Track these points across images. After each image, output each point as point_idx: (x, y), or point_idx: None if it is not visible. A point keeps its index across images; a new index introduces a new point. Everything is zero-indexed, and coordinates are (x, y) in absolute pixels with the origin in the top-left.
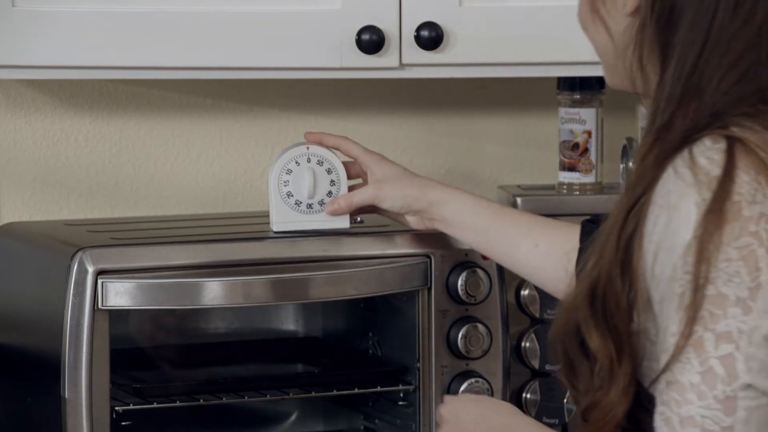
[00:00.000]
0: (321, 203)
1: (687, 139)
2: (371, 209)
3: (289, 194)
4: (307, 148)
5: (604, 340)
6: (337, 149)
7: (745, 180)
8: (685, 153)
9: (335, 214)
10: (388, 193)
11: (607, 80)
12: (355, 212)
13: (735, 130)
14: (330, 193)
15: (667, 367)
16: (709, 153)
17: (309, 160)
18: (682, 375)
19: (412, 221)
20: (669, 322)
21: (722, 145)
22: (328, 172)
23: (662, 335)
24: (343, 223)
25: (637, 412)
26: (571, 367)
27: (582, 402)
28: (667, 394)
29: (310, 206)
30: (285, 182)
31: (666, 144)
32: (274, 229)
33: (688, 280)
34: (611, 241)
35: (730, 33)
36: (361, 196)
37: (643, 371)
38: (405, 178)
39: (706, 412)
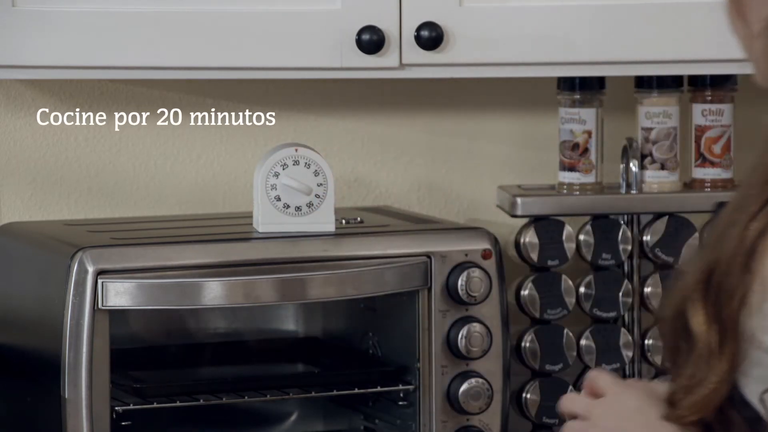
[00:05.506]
0: (309, 206)
1: None
2: None
3: (278, 198)
4: (296, 150)
5: (709, 326)
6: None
7: None
8: None
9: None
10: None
11: (762, 81)
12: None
13: None
14: (317, 195)
15: None
16: None
17: (297, 163)
18: None
19: None
20: None
21: None
22: (315, 174)
23: None
24: (329, 226)
25: (728, 412)
26: (673, 346)
27: (676, 384)
28: None
29: (298, 209)
30: (272, 186)
31: None
32: (260, 230)
33: None
34: (736, 229)
35: None
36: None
37: (744, 372)
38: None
39: None
